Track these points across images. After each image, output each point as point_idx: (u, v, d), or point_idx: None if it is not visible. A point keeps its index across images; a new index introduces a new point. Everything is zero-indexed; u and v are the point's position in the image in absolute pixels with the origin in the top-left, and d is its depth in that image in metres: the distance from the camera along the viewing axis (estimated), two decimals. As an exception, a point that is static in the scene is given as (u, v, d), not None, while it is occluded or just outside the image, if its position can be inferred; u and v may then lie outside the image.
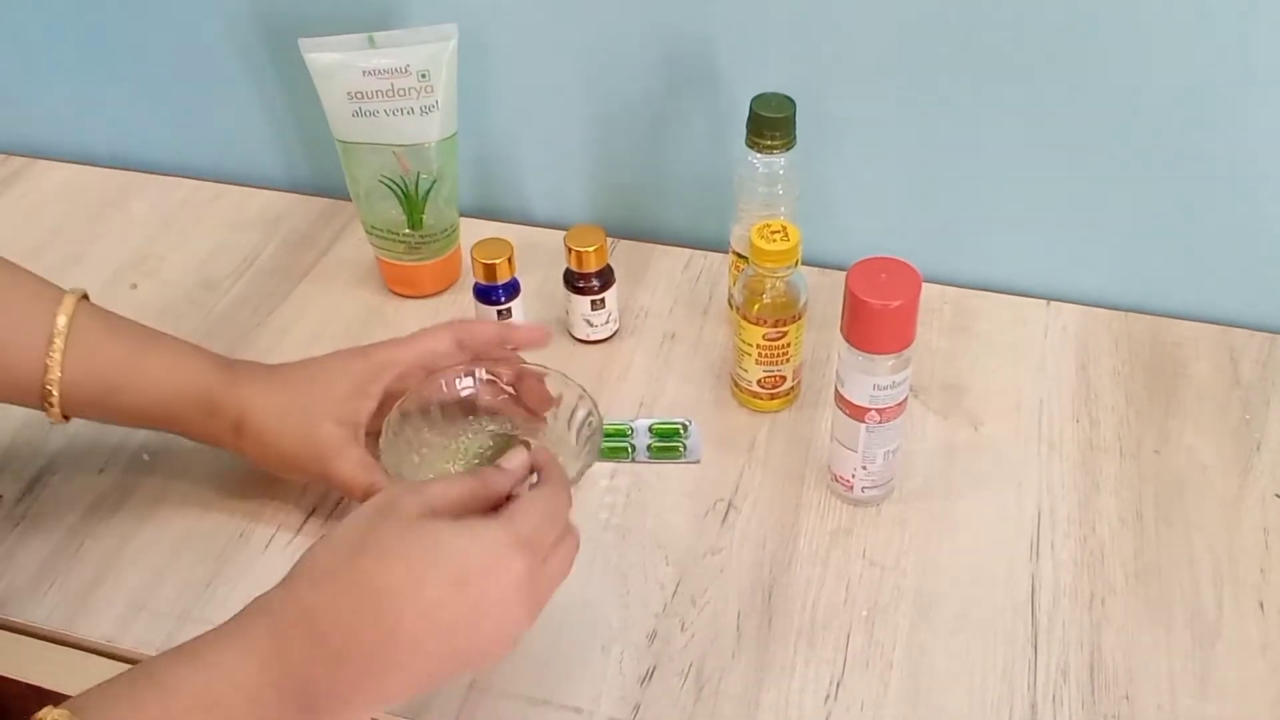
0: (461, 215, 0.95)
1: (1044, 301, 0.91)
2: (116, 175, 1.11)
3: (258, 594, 0.70)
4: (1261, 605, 0.69)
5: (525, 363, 0.74)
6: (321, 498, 0.76)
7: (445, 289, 0.95)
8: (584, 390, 0.72)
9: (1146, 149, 0.84)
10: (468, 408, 0.74)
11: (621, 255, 0.97)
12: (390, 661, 0.50)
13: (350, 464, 0.68)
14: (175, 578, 0.72)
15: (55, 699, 0.68)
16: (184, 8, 1.01)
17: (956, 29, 0.82)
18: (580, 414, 0.72)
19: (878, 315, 0.65)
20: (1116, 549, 0.72)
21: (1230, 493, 0.76)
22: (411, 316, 0.92)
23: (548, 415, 0.74)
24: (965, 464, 0.78)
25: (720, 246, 0.90)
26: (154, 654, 0.67)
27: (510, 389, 0.75)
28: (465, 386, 0.74)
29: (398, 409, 0.70)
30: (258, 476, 0.77)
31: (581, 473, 0.68)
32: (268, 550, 0.74)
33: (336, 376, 0.70)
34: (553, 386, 0.73)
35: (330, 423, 0.68)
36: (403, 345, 0.72)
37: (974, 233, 0.92)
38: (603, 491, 0.77)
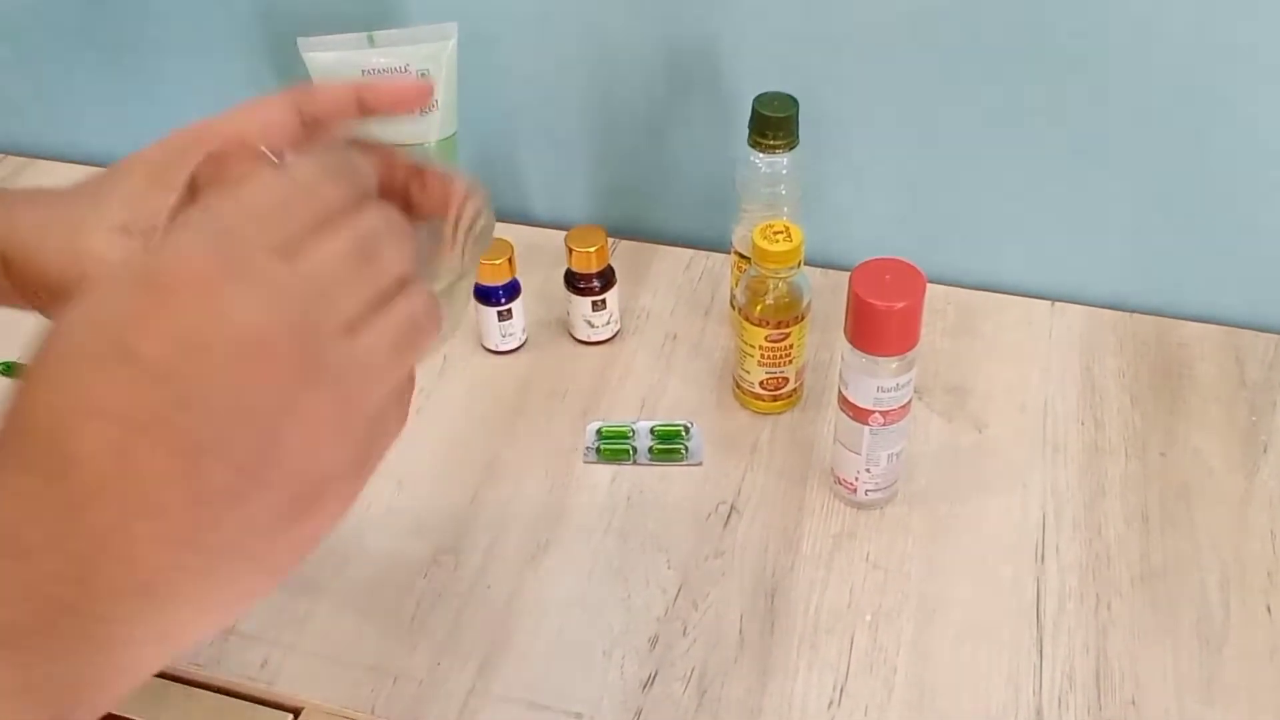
0: (462, 216, 0.94)
1: (1048, 302, 0.90)
2: (115, 175, 1.10)
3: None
4: (1269, 609, 0.68)
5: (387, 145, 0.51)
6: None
7: (445, 290, 0.94)
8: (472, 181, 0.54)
9: (1152, 150, 0.84)
10: None
11: (623, 256, 0.96)
12: (145, 525, 0.32)
13: None
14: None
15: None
16: (183, 7, 1.01)
17: (960, 29, 0.82)
18: (469, 211, 0.54)
19: (882, 317, 0.64)
20: (1122, 552, 0.72)
21: (1237, 495, 0.75)
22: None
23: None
24: (969, 466, 0.77)
25: (722, 247, 0.90)
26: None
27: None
28: None
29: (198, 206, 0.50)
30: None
31: (457, 285, 0.51)
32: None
33: (125, 173, 0.51)
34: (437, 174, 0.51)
35: (104, 230, 0.49)
36: (219, 118, 0.51)
37: (978, 233, 0.92)
38: (604, 494, 0.76)
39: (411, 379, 0.39)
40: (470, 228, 0.52)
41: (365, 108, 0.51)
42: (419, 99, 0.52)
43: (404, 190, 0.50)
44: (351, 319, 0.35)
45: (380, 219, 0.37)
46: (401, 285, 0.37)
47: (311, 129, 0.51)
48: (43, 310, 0.51)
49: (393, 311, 0.36)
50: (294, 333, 0.33)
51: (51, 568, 0.31)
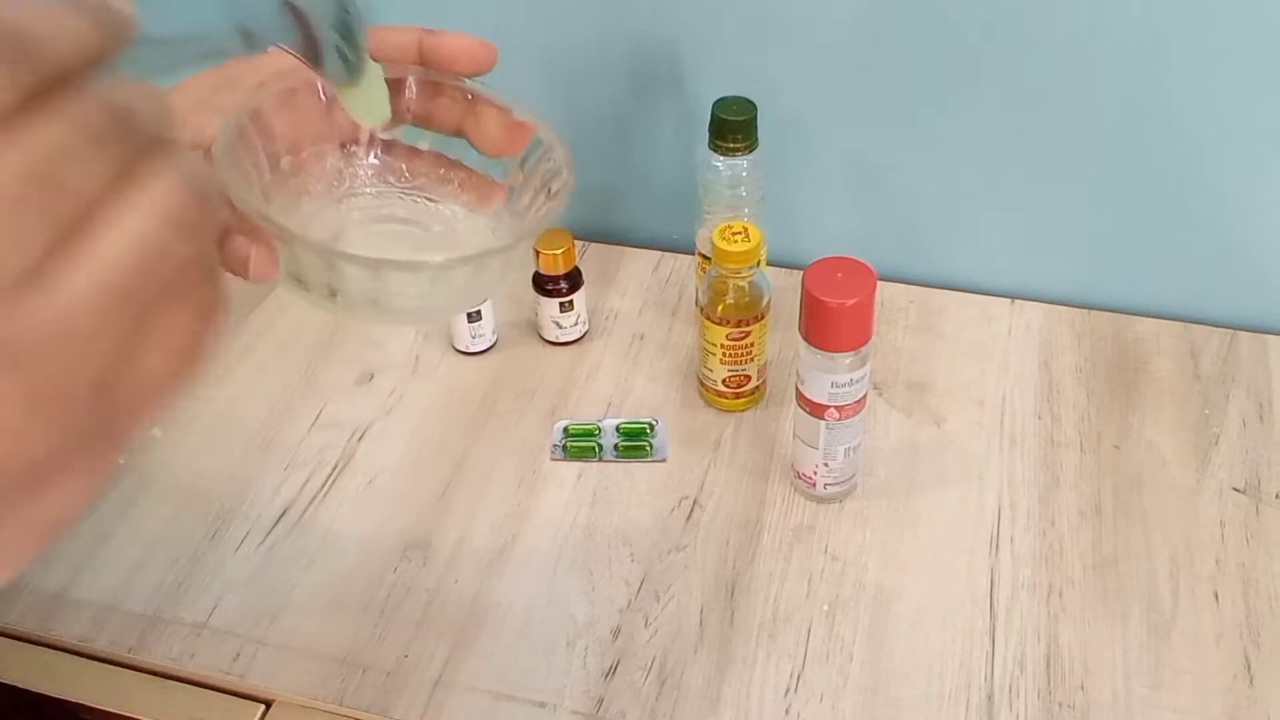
0: (434, 220, 0.96)
1: (1009, 300, 0.92)
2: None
3: (229, 595, 0.72)
4: (1216, 596, 0.70)
5: (458, 80, 0.49)
6: (293, 499, 0.77)
7: (418, 293, 0.95)
8: (544, 123, 0.50)
9: (1107, 149, 0.85)
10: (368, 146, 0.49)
11: (593, 258, 0.98)
12: None
13: None
14: (148, 579, 0.73)
15: (34, 701, 0.69)
16: (182, 8, 1.02)
17: (917, 31, 0.84)
18: (539, 158, 0.50)
19: (834, 314, 0.66)
20: (1075, 542, 0.73)
21: (1188, 486, 0.77)
22: (385, 320, 0.93)
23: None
24: (928, 460, 0.79)
25: (690, 249, 0.91)
26: (126, 654, 0.69)
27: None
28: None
29: (234, 119, 0.43)
30: (229, 478, 0.78)
31: (530, 235, 0.47)
32: (239, 551, 0.74)
33: (175, 96, 0.46)
34: (519, 114, 0.50)
35: None
36: (274, 53, 0.45)
37: (938, 233, 0.93)
38: (570, 491, 0.78)
39: (214, 301, 0.30)
40: (545, 180, 0.47)
41: (425, 56, 0.47)
42: (482, 61, 0.48)
43: (456, 127, 0.48)
44: (40, 260, 0.26)
45: (163, 206, 0.27)
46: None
47: None
48: None
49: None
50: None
51: None
